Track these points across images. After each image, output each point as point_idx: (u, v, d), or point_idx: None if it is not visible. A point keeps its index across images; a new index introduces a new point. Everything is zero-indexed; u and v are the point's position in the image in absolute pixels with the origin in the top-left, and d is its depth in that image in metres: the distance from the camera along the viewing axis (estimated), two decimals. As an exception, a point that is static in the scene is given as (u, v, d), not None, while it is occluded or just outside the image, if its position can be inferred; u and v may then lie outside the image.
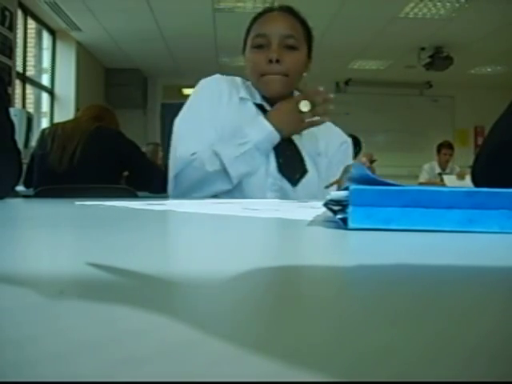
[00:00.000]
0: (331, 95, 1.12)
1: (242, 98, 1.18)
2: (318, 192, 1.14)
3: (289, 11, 1.20)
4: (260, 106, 1.19)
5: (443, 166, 5.44)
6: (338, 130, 1.30)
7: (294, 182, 1.15)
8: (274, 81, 1.15)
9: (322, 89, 1.11)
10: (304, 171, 1.16)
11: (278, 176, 1.14)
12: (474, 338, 0.12)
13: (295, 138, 1.19)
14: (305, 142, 1.20)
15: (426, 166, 5.59)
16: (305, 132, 1.18)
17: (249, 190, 1.12)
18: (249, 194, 1.11)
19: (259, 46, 1.15)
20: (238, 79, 1.24)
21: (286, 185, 1.15)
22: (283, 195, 1.14)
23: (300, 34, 1.18)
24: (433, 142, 6.12)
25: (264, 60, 1.14)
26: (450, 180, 4.86)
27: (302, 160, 1.17)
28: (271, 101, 1.19)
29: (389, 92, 7.28)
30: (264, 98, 1.20)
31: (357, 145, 4.34)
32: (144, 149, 3.10)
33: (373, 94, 7.26)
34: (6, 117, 0.98)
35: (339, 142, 1.27)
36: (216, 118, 1.14)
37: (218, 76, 1.22)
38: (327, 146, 1.23)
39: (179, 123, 1.16)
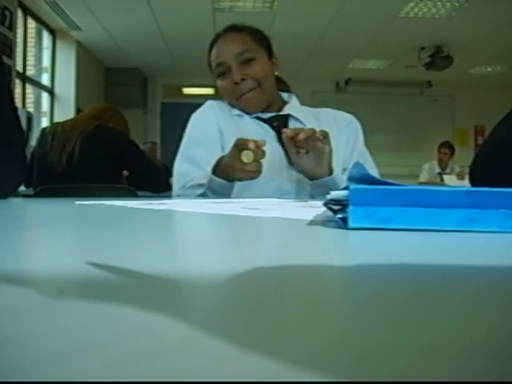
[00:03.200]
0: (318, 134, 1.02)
1: (238, 115, 1.25)
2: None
3: (233, 29, 1.24)
4: (258, 118, 1.25)
5: (443, 166, 5.44)
6: (341, 113, 1.32)
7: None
8: (250, 98, 1.21)
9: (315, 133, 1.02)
10: None
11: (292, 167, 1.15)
12: (474, 337, 0.12)
13: (298, 127, 1.18)
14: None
15: (426, 166, 5.59)
16: (305, 119, 1.23)
17: (266, 186, 1.14)
18: (265, 187, 1.14)
19: (223, 74, 1.21)
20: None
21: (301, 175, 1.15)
22: (299, 185, 1.17)
23: (251, 44, 1.21)
24: (433, 142, 6.13)
25: (231, 84, 1.19)
26: (450, 180, 4.87)
27: None
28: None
29: (389, 92, 7.28)
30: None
31: None
32: (142, 148, 3.11)
33: (373, 93, 7.26)
34: (13, 112, 0.99)
35: (346, 122, 1.28)
36: (216, 141, 1.22)
37: (208, 103, 1.30)
38: (330, 127, 1.21)
39: (177, 158, 1.26)
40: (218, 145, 1.22)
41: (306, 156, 1.06)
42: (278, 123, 1.23)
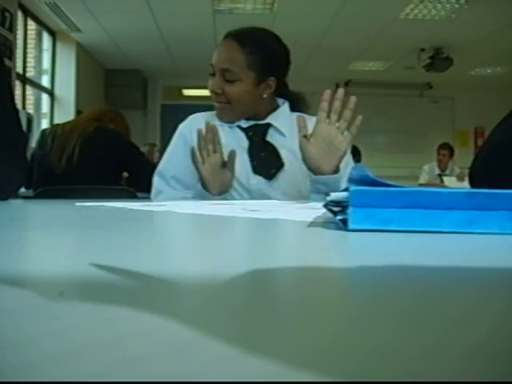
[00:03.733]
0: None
1: (220, 125, 1.25)
2: (303, 180, 1.19)
3: (235, 38, 1.20)
4: (238, 126, 1.26)
5: (442, 167, 5.44)
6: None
7: (269, 176, 1.20)
8: (218, 109, 1.23)
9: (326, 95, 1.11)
10: (280, 165, 1.19)
11: (256, 176, 1.21)
12: (475, 338, 0.12)
13: (276, 137, 1.22)
14: (287, 138, 1.23)
15: (426, 167, 5.59)
16: (287, 129, 1.23)
17: (234, 191, 1.21)
18: (234, 194, 1.21)
19: (212, 74, 1.21)
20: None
21: (266, 181, 1.21)
22: (266, 188, 1.21)
23: (240, 64, 1.18)
24: (433, 143, 6.12)
25: (211, 88, 1.21)
26: (450, 181, 4.86)
27: (278, 156, 1.20)
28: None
29: (389, 93, 7.28)
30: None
31: (356, 154, 4.35)
32: (141, 149, 3.10)
33: (373, 95, 7.25)
34: (14, 114, 0.99)
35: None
36: (186, 160, 1.24)
37: (189, 118, 1.31)
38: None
39: (158, 165, 1.30)
40: (188, 162, 1.26)
41: (319, 146, 1.07)
42: (253, 133, 1.23)
